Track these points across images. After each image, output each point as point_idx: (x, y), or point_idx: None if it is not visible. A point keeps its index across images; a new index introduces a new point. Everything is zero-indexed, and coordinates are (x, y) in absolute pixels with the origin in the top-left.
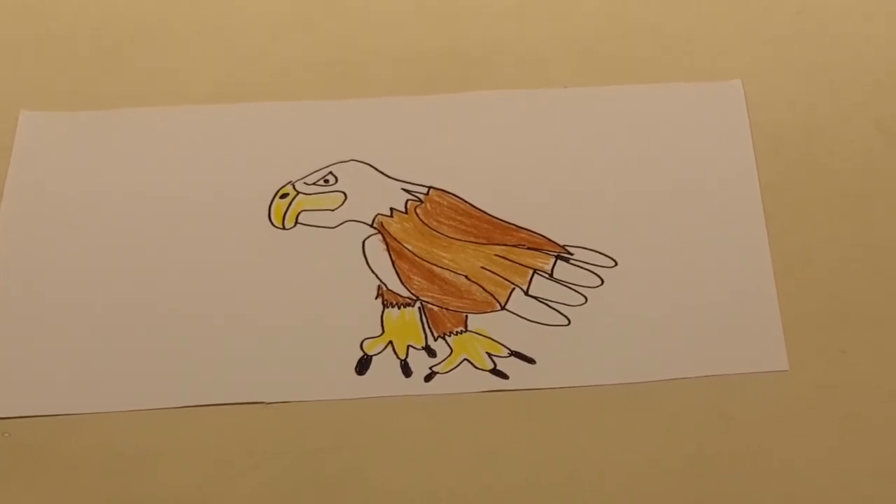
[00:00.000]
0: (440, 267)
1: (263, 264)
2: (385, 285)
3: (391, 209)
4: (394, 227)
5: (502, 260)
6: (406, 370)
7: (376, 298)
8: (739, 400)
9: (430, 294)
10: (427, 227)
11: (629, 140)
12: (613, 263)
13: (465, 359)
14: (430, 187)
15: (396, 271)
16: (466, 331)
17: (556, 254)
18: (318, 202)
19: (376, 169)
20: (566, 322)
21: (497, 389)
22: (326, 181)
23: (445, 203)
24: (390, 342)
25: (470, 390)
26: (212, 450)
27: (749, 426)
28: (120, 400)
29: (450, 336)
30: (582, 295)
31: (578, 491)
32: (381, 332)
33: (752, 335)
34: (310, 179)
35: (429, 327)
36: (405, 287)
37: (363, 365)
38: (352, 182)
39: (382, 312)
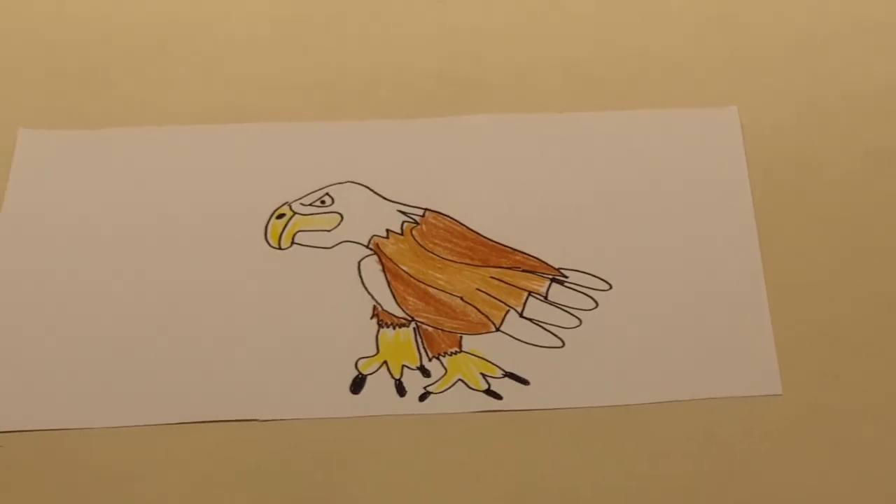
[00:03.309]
0: (435, 288)
1: (260, 284)
2: (380, 306)
3: (387, 230)
4: (389, 248)
5: (497, 282)
6: (400, 390)
7: (371, 318)
8: (733, 423)
9: (425, 315)
10: (423, 249)
11: (624, 165)
12: (608, 287)
13: (460, 379)
14: (425, 209)
15: (392, 292)
16: (461, 351)
17: (550, 276)
18: (314, 223)
19: (373, 191)
20: (560, 344)
21: (491, 410)
22: (323, 202)
23: (441, 225)
24: (385, 362)
25: (464, 410)
26: (205, 467)
27: (742, 450)
28: (114, 415)
29: (444, 356)
30: (576, 317)
31: None
32: (376, 351)
33: (745, 359)
34: (306, 200)
35: (423, 348)
36: (400, 308)
37: (358, 384)
38: (348, 203)
39: (377, 332)
